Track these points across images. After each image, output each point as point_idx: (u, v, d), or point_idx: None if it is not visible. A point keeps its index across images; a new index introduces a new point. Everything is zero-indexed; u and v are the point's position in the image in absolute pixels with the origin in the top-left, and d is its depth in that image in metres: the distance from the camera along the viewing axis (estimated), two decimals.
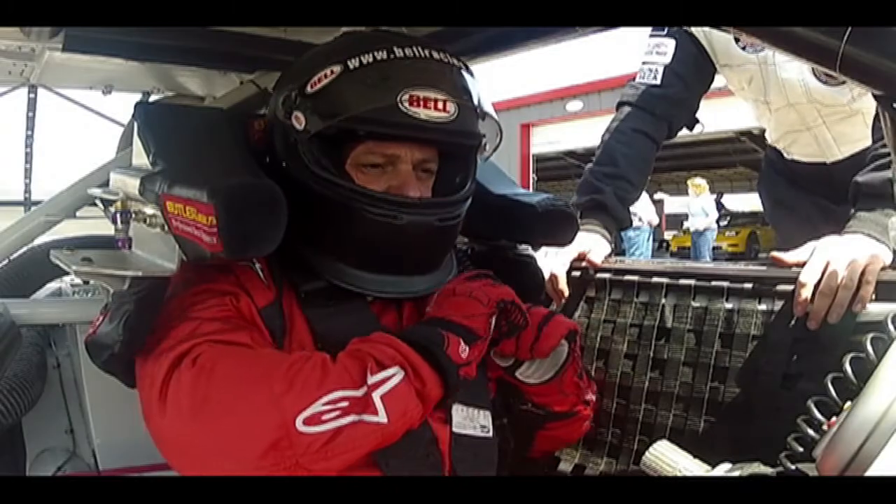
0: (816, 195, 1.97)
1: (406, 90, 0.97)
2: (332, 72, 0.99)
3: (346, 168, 1.03)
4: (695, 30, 1.70)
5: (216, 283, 1.02)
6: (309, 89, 1.00)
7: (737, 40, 1.69)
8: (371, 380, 0.89)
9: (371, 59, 0.99)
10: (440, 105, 0.99)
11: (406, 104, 0.96)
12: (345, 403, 0.87)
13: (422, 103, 0.97)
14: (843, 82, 1.65)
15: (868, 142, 1.52)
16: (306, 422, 0.85)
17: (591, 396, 1.28)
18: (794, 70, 1.67)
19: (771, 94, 1.75)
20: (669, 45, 1.72)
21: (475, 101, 1.05)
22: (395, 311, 1.11)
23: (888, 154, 1.26)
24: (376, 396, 0.89)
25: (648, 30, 1.80)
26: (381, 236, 1.01)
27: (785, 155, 2.01)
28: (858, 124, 1.72)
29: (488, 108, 1.07)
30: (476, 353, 1.00)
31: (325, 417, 0.86)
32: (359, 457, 0.89)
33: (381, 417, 0.88)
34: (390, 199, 1.01)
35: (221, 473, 0.86)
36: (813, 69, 1.62)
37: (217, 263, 0.98)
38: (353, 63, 0.99)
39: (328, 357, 0.94)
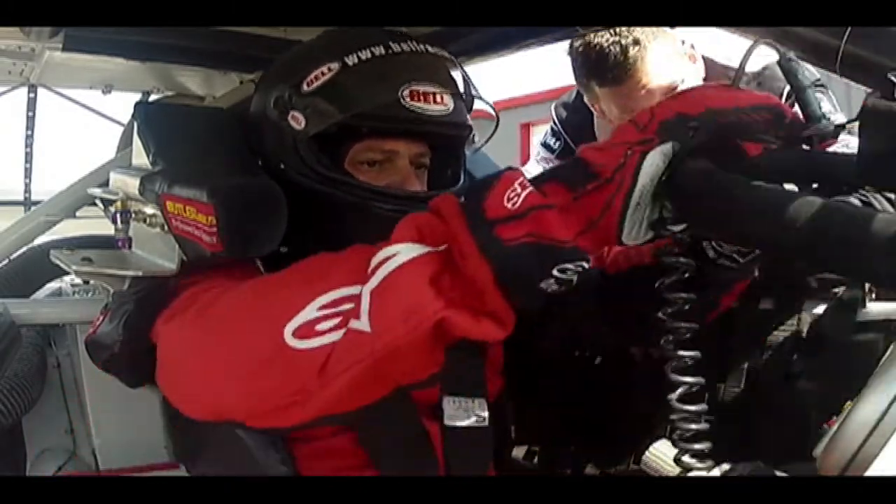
0: None
1: (406, 85, 0.97)
2: (329, 69, 0.98)
3: (345, 166, 1.03)
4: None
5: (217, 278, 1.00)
6: (305, 88, 0.99)
7: None
8: (372, 263, 0.65)
9: (369, 55, 0.98)
10: (438, 98, 0.99)
11: (407, 99, 0.96)
12: (348, 306, 0.65)
13: (422, 97, 0.98)
14: None
15: None
16: (296, 334, 0.67)
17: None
18: None
19: None
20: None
21: (465, 92, 1.06)
22: None
23: None
24: (366, 291, 0.64)
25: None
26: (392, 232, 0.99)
27: None
28: None
29: (480, 99, 1.08)
30: (559, 195, 0.63)
31: (319, 328, 0.66)
32: (355, 381, 0.67)
33: (363, 322, 0.64)
34: (400, 194, 1.00)
35: (242, 418, 0.74)
36: None
37: (217, 264, 0.98)
38: (350, 60, 0.98)
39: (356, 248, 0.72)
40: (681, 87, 1.47)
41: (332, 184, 1.00)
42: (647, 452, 0.96)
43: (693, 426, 0.74)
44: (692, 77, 1.52)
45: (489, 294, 0.62)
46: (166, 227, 0.98)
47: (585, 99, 1.58)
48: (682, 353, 0.73)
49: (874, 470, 0.68)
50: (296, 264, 0.79)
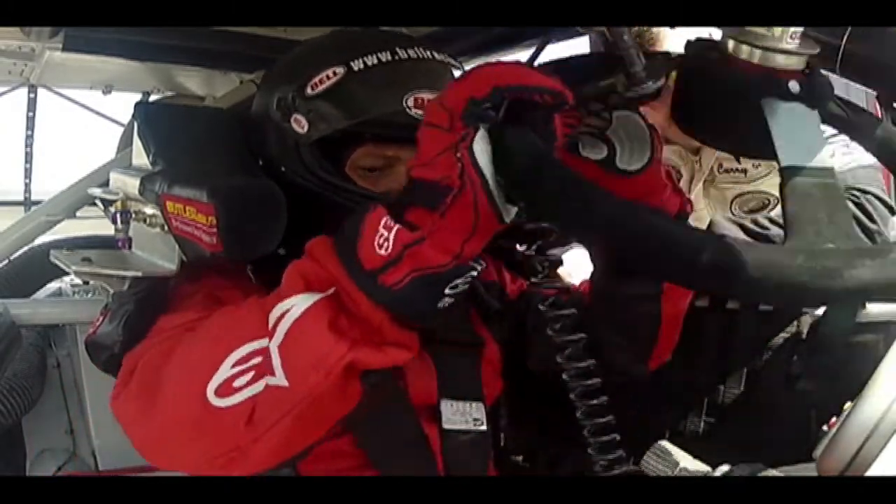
0: None
1: (411, 92, 0.96)
2: (334, 73, 0.97)
3: (346, 170, 1.03)
4: None
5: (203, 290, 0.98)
6: (309, 91, 0.98)
7: None
8: (270, 319, 0.67)
9: (375, 61, 0.97)
10: None
11: (412, 106, 0.96)
12: (257, 360, 0.68)
13: (426, 103, 0.97)
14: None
15: None
16: (217, 393, 0.69)
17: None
18: None
19: None
20: None
21: None
22: None
23: None
24: (274, 347, 0.66)
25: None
26: None
27: None
28: None
29: None
30: (434, 229, 0.64)
31: (236, 384, 0.68)
32: (288, 431, 0.71)
33: (279, 378, 0.66)
34: None
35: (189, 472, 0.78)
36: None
37: (216, 264, 0.98)
38: (356, 65, 0.97)
39: (242, 303, 0.75)
40: None
41: (333, 189, 0.99)
42: (647, 453, 0.96)
43: (599, 420, 0.80)
44: None
45: (387, 329, 0.66)
46: (166, 228, 0.98)
47: None
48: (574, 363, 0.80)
49: (874, 470, 0.68)
50: (206, 320, 0.79)
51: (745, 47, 0.71)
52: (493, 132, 0.63)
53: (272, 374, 0.67)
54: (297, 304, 0.66)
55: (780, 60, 0.70)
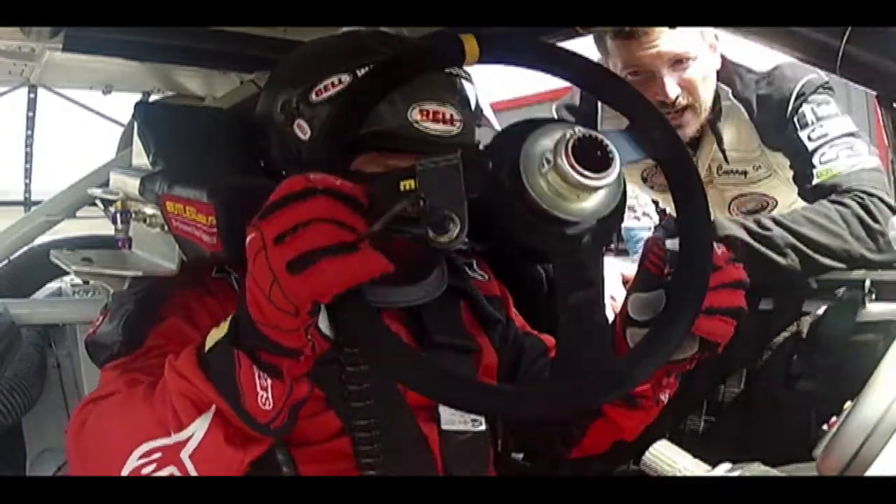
0: None
1: (416, 104, 0.95)
2: (339, 81, 0.96)
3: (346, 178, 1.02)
4: None
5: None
6: (314, 98, 0.97)
7: None
8: (175, 437, 0.79)
9: None
10: (447, 117, 0.97)
11: (416, 118, 0.95)
12: (158, 455, 0.79)
13: (431, 116, 0.96)
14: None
15: None
16: (130, 476, 0.79)
17: (664, 397, 1.04)
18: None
19: None
20: None
21: (476, 113, 1.04)
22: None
23: None
24: (185, 457, 0.79)
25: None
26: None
27: None
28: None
29: (488, 116, 1.07)
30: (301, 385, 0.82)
31: (144, 472, 0.78)
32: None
33: (195, 473, 0.80)
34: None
35: None
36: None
37: (215, 264, 0.98)
38: (362, 73, 0.95)
39: (138, 393, 0.84)
40: (692, 66, 1.49)
41: None
42: (647, 453, 0.96)
43: None
44: (708, 64, 1.53)
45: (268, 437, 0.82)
46: (166, 228, 0.98)
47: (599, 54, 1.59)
48: None
49: (874, 470, 0.68)
50: (115, 402, 0.86)
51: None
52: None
53: (187, 475, 0.79)
54: (196, 432, 0.79)
55: None
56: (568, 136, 0.71)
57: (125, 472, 0.79)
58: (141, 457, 0.79)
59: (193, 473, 0.78)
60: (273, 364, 0.78)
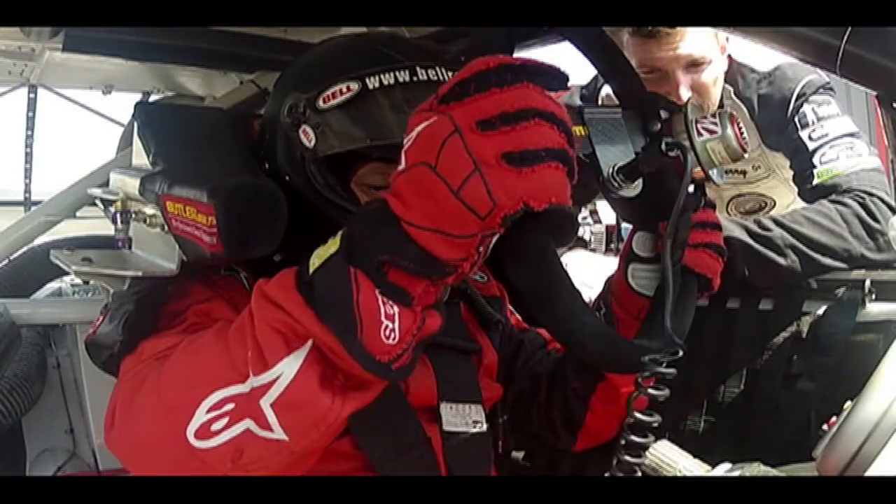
0: None
1: None
2: (347, 88, 0.93)
3: (350, 186, 1.01)
4: None
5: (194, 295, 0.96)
6: (321, 104, 0.95)
7: None
8: (255, 381, 0.68)
9: (392, 80, 0.93)
10: None
11: None
12: (230, 406, 0.70)
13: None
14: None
15: None
16: (196, 435, 0.71)
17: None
18: None
19: None
20: None
21: None
22: None
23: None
24: (265, 405, 0.68)
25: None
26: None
27: None
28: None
29: None
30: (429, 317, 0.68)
31: (213, 428, 0.70)
32: (280, 469, 0.75)
33: (278, 433, 0.69)
34: None
35: None
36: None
37: (215, 264, 0.98)
38: (371, 82, 0.93)
39: (209, 336, 0.75)
40: (707, 69, 1.50)
41: (336, 207, 0.97)
42: (647, 453, 0.96)
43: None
44: (720, 67, 1.54)
45: (376, 384, 0.72)
46: (166, 228, 0.98)
47: None
48: None
49: (874, 470, 0.68)
50: (177, 355, 0.79)
51: None
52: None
53: (269, 430, 0.69)
54: (284, 372, 0.66)
55: None
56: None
57: (192, 430, 0.70)
58: (210, 409, 0.69)
59: (275, 427, 0.67)
60: (402, 288, 0.64)
